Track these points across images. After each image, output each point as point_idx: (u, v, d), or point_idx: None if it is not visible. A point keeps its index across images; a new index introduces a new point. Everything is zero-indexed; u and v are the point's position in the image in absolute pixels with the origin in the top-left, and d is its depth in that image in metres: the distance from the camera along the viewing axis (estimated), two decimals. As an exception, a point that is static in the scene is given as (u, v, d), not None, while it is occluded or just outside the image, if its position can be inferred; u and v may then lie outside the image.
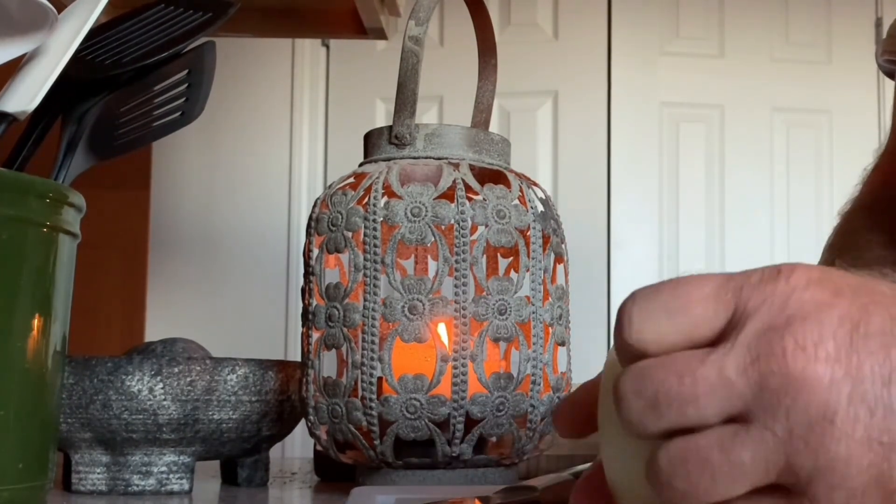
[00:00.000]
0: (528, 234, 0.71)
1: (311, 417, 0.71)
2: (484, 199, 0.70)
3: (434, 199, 0.69)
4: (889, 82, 0.88)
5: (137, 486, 0.73)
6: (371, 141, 0.75)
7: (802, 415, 0.31)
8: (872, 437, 0.31)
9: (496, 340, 0.69)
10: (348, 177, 0.73)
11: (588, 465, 0.60)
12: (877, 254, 0.77)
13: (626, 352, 0.35)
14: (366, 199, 0.70)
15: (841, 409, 0.31)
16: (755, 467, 0.32)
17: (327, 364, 0.71)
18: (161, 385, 0.71)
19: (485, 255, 0.69)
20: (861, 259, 0.77)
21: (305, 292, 0.73)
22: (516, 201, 0.71)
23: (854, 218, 0.85)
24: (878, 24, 2.26)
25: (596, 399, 0.39)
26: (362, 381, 0.68)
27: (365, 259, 0.68)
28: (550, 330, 0.72)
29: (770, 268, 0.34)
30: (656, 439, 0.33)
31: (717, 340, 0.33)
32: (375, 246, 0.68)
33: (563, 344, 0.74)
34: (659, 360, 0.33)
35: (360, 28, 1.31)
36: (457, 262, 0.68)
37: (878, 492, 0.32)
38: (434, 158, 0.72)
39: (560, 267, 0.74)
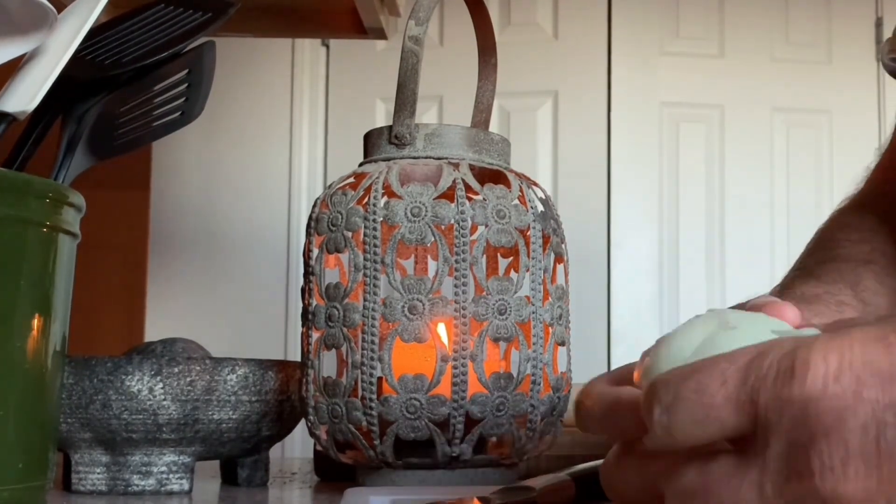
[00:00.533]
0: (528, 234, 0.71)
1: (311, 417, 0.71)
2: (484, 199, 0.70)
3: (434, 199, 0.69)
4: (890, 82, 0.88)
5: (137, 486, 0.73)
6: (371, 141, 0.75)
7: None
8: None
9: (496, 340, 0.69)
10: (348, 177, 0.73)
11: (588, 465, 0.60)
12: (839, 253, 0.76)
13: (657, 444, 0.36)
14: (366, 199, 0.70)
15: None
16: None
17: (327, 364, 0.71)
18: (161, 385, 0.71)
19: (485, 255, 0.69)
20: (825, 258, 0.76)
21: (305, 292, 0.73)
22: (516, 201, 0.71)
23: (836, 215, 0.84)
24: (879, 24, 2.26)
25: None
26: (362, 381, 0.68)
27: (365, 259, 0.68)
28: (550, 330, 0.72)
29: (784, 359, 0.33)
30: None
31: (745, 441, 0.34)
32: (375, 246, 0.68)
33: (563, 344, 0.74)
34: (701, 480, 0.34)
35: (360, 28, 1.31)
36: (457, 262, 0.68)
37: None
38: (434, 158, 0.72)
39: (560, 267, 0.74)
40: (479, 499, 0.53)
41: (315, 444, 0.77)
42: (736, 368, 0.33)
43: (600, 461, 0.60)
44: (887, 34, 2.38)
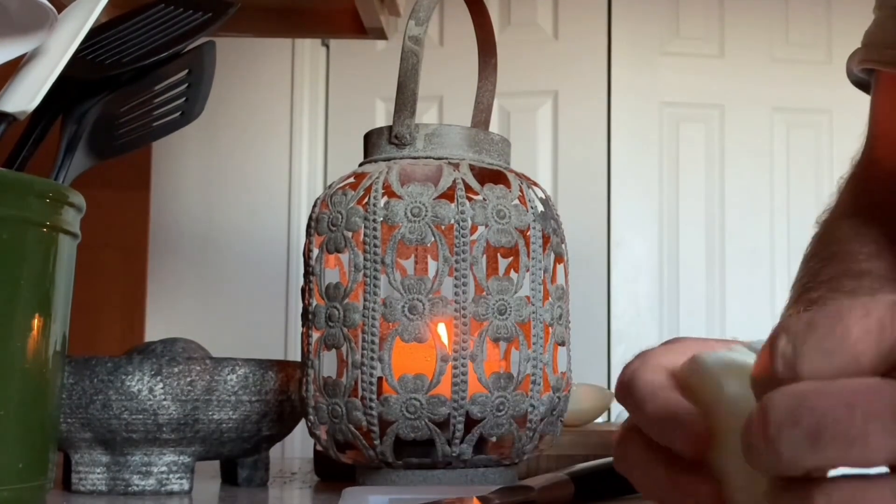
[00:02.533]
0: (528, 234, 0.71)
1: (311, 417, 0.71)
2: (484, 199, 0.70)
3: (434, 199, 0.69)
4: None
5: (137, 486, 0.73)
6: (371, 141, 0.75)
7: None
8: None
9: (496, 340, 0.69)
10: (348, 177, 0.73)
11: (587, 464, 0.60)
12: (864, 266, 0.74)
13: (770, 385, 0.30)
14: (366, 199, 0.70)
15: None
16: None
17: (327, 364, 0.71)
18: (161, 385, 0.71)
19: (485, 255, 0.69)
20: (850, 271, 0.74)
21: (305, 292, 0.73)
22: (516, 201, 0.71)
23: (836, 227, 0.83)
24: (878, 24, 2.26)
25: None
26: (362, 381, 0.68)
27: (365, 259, 0.68)
28: (550, 330, 0.72)
29: None
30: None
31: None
32: (375, 246, 0.68)
33: (563, 344, 0.74)
34: (821, 384, 0.29)
35: (360, 28, 1.31)
36: (457, 262, 0.68)
37: None
38: (434, 158, 0.72)
39: (560, 267, 0.74)
40: (479, 498, 0.53)
41: (315, 444, 0.78)
42: (884, 304, 0.29)
43: (600, 461, 0.61)
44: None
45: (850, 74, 0.86)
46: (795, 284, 0.79)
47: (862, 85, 0.86)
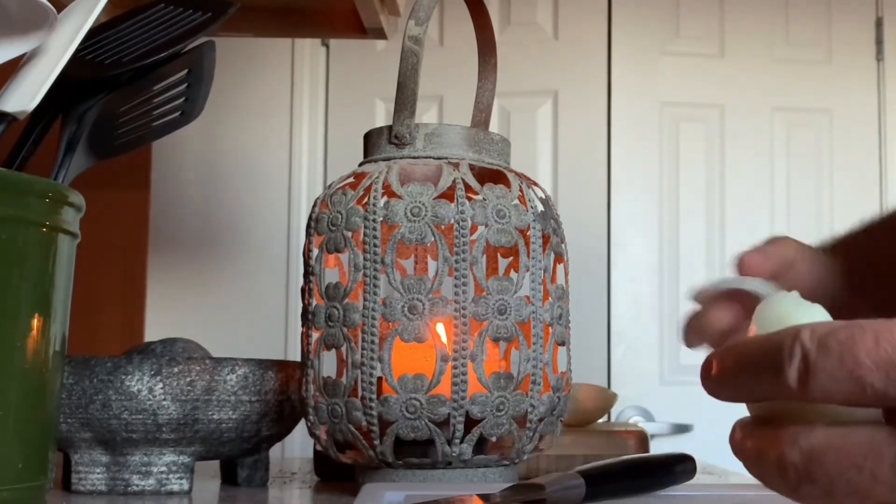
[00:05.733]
0: (528, 233, 0.71)
1: (311, 417, 0.71)
2: (484, 198, 0.70)
3: (434, 199, 0.68)
4: (890, 82, 0.86)
5: (137, 486, 0.73)
6: (371, 141, 0.75)
7: None
8: None
9: (496, 340, 0.69)
10: (348, 176, 0.73)
11: (598, 463, 0.60)
12: None
13: (779, 389, 0.32)
14: (365, 199, 0.70)
15: None
16: None
17: (327, 364, 0.71)
18: (161, 385, 0.71)
19: (485, 255, 0.69)
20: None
21: (305, 292, 0.73)
22: (516, 201, 0.71)
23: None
24: (879, 23, 2.26)
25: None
26: (362, 380, 0.68)
27: (365, 259, 0.68)
28: (550, 330, 0.72)
29: None
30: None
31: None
32: (375, 246, 0.68)
33: (563, 344, 0.74)
34: (834, 443, 0.31)
35: (360, 28, 1.31)
36: (457, 261, 0.68)
37: None
38: (434, 158, 0.72)
39: (560, 267, 0.74)
40: (482, 497, 0.53)
41: (315, 444, 0.77)
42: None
43: (612, 460, 0.60)
44: (887, 34, 2.37)
45: None
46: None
47: None
